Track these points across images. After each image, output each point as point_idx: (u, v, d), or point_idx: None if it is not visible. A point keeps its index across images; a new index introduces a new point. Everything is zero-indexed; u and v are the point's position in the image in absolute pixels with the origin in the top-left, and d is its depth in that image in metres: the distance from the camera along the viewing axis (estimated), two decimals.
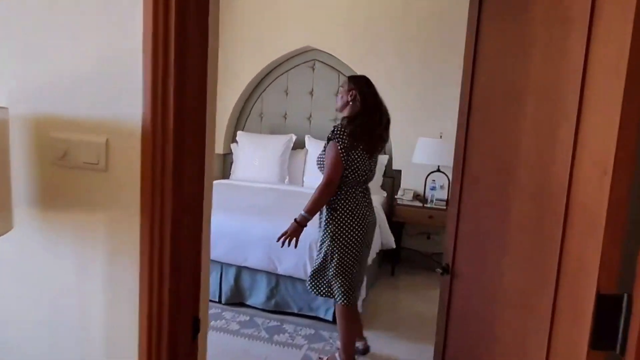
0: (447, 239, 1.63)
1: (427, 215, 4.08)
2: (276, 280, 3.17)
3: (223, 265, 3.28)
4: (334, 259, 2.41)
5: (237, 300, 3.28)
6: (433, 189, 4.18)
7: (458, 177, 1.55)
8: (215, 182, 4.60)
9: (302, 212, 2.36)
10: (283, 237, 2.38)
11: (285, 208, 3.45)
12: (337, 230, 2.39)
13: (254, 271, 3.21)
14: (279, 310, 3.18)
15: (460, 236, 1.53)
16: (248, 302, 3.26)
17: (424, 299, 3.69)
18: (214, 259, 3.24)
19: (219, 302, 3.29)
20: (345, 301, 2.42)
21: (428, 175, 4.32)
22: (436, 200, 4.20)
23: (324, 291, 2.51)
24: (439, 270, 1.61)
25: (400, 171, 4.60)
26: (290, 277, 3.11)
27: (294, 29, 4.74)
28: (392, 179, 4.68)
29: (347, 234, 2.39)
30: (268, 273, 3.17)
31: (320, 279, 2.51)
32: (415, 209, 4.13)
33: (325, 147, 2.44)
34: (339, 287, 2.42)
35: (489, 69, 1.41)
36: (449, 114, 4.45)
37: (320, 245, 2.51)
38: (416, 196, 4.47)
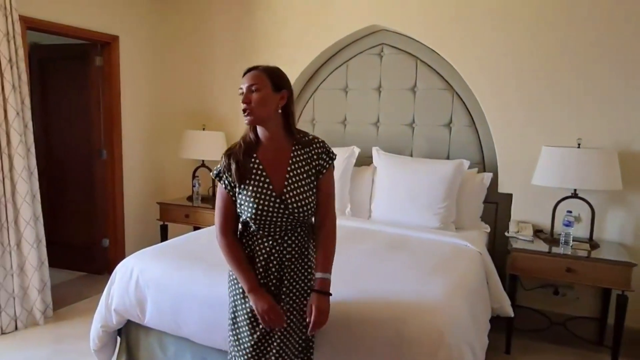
0: None
1: (564, 268, 2.65)
2: None
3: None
4: None
5: None
6: (568, 224, 2.76)
7: None
8: None
9: (324, 275, 1.61)
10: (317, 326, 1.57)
11: (346, 261, 2.23)
12: None
13: None
14: None
15: None
16: None
17: None
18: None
19: None
20: None
21: (559, 202, 2.90)
22: (573, 242, 2.77)
23: None
24: None
25: (510, 195, 3.20)
26: None
27: (353, 2, 3.50)
28: (496, 205, 3.29)
29: None
30: None
31: None
32: (540, 256, 2.72)
33: (304, 174, 1.62)
34: None
35: None
36: (590, 113, 2.94)
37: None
38: (537, 232, 3.05)
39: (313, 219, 1.67)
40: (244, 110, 1.53)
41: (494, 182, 3.22)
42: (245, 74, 1.57)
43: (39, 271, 3.05)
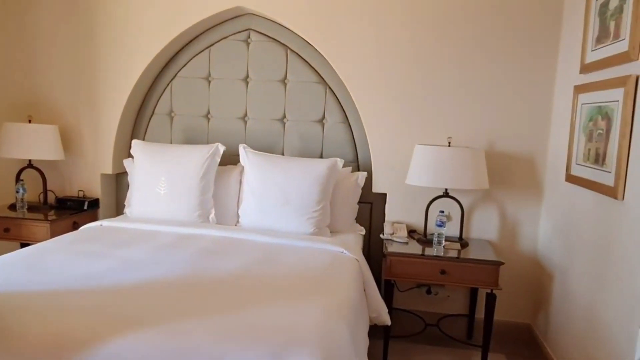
0: None
1: (438, 270, 2.59)
2: None
3: None
4: None
5: None
6: (441, 225, 2.71)
7: None
8: (90, 225, 2.86)
9: None
10: None
11: (202, 287, 1.83)
12: None
13: None
14: None
15: None
16: None
17: None
18: None
19: None
20: None
21: (431, 201, 2.85)
22: (446, 242, 2.73)
23: None
24: None
25: (384, 195, 3.09)
26: None
27: None
28: (370, 205, 3.17)
29: None
30: None
31: None
32: (415, 259, 2.63)
33: None
34: None
35: None
36: (460, 112, 2.91)
37: None
38: (411, 232, 2.98)
39: None
40: None
41: (369, 181, 3.08)
42: None
43: None
